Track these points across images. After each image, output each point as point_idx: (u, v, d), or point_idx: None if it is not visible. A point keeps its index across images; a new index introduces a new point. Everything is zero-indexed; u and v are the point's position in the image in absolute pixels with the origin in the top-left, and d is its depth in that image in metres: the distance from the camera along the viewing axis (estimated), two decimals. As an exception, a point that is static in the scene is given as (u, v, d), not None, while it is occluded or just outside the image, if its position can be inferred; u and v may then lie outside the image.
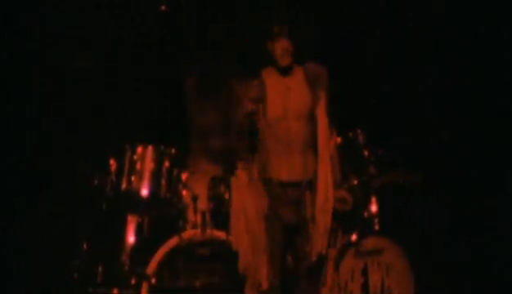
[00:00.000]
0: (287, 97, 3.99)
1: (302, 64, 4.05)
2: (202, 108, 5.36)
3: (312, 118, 4.01)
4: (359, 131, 5.18)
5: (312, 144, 4.01)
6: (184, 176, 5.05)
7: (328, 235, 3.98)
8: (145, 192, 4.95)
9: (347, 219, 5.03)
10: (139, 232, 5.17)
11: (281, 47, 3.96)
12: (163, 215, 5.18)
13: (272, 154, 3.98)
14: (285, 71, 4.00)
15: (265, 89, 3.99)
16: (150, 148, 5.00)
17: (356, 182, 5.13)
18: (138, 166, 4.97)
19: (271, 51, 3.99)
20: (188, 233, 4.95)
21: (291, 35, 3.97)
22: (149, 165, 4.98)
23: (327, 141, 4.01)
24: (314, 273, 4.02)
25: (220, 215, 4.95)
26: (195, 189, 5.07)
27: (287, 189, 3.98)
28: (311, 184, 3.99)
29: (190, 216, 5.03)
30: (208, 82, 5.40)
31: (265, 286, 3.92)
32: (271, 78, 4.02)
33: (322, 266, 4.09)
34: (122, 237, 5.14)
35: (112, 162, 5.00)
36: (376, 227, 5.19)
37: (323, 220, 3.95)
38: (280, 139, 3.97)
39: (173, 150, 5.03)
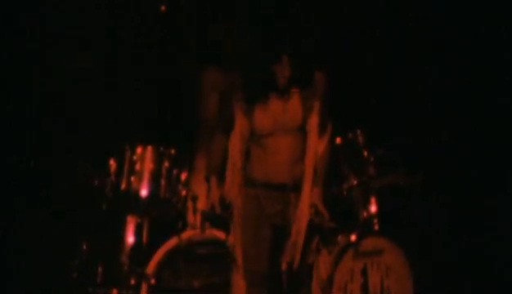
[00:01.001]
0: (278, 115, 3.98)
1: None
2: (212, 105, 5.34)
3: (303, 130, 4.00)
4: (359, 132, 5.17)
5: (302, 156, 4.00)
6: (184, 177, 5.05)
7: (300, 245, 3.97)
8: (144, 192, 4.95)
9: (346, 219, 5.04)
10: (138, 232, 5.17)
11: (281, 72, 3.93)
12: (162, 215, 5.19)
13: (257, 161, 3.99)
14: (282, 92, 3.97)
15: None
16: (149, 148, 5.00)
17: (355, 182, 5.13)
18: (138, 166, 4.97)
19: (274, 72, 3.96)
20: (188, 234, 4.96)
21: (292, 62, 3.93)
22: (148, 165, 4.97)
23: (314, 155, 3.99)
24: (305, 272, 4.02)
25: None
26: (194, 189, 5.08)
27: (272, 190, 3.98)
28: (297, 187, 3.98)
29: (190, 216, 5.04)
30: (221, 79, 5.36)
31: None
32: (265, 94, 4.00)
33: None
34: (121, 237, 5.14)
35: (112, 162, 5.00)
36: (376, 227, 5.19)
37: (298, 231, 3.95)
38: (267, 151, 3.97)
39: (173, 151, 5.03)
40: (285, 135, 3.96)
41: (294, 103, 3.98)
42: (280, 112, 3.96)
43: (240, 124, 3.97)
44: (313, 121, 3.99)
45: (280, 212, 3.98)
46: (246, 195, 3.99)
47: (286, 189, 3.97)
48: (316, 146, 3.98)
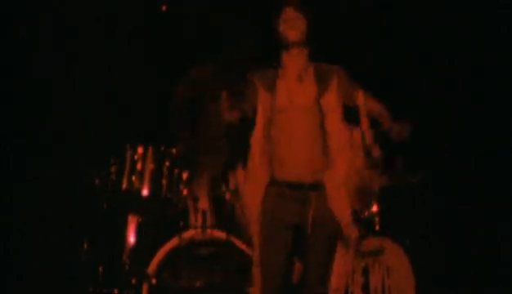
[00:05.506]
0: (293, 89, 3.94)
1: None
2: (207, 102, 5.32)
3: (319, 110, 3.95)
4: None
5: (319, 140, 3.96)
6: (185, 176, 5.05)
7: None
8: (145, 192, 4.95)
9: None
10: (140, 232, 5.17)
11: (287, 17, 3.91)
12: (163, 215, 5.19)
13: (276, 152, 3.95)
14: (294, 48, 3.91)
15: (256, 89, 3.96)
16: (150, 148, 5.00)
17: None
18: (139, 166, 4.97)
19: (280, 31, 3.93)
20: (189, 233, 4.95)
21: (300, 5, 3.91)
22: (149, 165, 4.97)
23: (340, 134, 3.97)
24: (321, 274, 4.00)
25: (220, 215, 4.95)
26: (195, 189, 5.07)
27: (292, 189, 3.94)
28: (317, 186, 3.95)
29: (191, 216, 5.03)
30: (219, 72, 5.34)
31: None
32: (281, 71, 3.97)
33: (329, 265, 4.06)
34: (122, 237, 5.14)
35: (113, 162, 5.00)
36: (377, 227, 5.19)
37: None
38: (284, 131, 3.92)
39: (174, 150, 5.03)
40: (302, 114, 3.92)
41: (308, 78, 3.96)
42: (295, 86, 3.94)
43: (262, 101, 3.91)
44: (328, 98, 3.95)
45: (299, 212, 3.93)
46: (268, 194, 3.96)
47: (304, 188, 3.92)
48: (339, 129, 3.95)
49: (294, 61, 3.97)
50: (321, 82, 3.95)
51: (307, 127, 3.93)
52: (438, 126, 5.76)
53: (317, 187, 3.92)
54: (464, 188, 5.66)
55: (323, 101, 3.92)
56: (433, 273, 5.34)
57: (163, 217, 5.21)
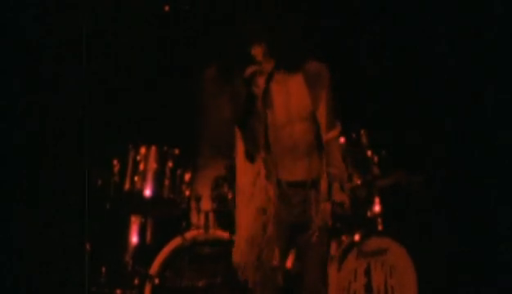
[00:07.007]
0: (288, 101, 3.96)
1: (302, 64, 4.01)
2: (214, 101, 5.31)
3: (315, 120, 3.99)
4: (362, 132, 5.19)
5: (317, 146, 4.00)
6: (187, 177, 5.05)
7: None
8: (148, 192, 4.95)
9: (350, 219, 5.04)
10: (142, 232, 5.17)
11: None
12: (166, 215, 5.19)
13: (277, 156, 3.97)
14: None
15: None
16: (153, 148, 4.99)
17: (359, 182, 5.15)
18: (141, 166, 4.97)
19: None
20: (191, 234, 4.95)
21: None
22: (152, 165, 4.97)
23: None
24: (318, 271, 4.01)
25: (223, 215, 4.95)
26: (198, 189, 5.07)
27: (292, 188, 3.96)
28: (316, 184, 3.97)
29: (194, 216, 5.04)
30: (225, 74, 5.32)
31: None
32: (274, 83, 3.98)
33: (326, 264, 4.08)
34: (125, 237, 5.14)
35: (115, 162, 5.00)
36: (379, 227, 5.20)
37: None
38: (284, 142, 3.95)
39: (177, 151, 5.03)
40: (299, 123, 3.95)
41: (299, 88, 3.97)
42: (287, 94, 3.95)
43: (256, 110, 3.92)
44: (323, 108, 3.99)
45: (301, 211, 3.96)
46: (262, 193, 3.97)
47: (306, 186, 3.95)
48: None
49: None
50: (314, 89, 3.98)
51: (306, 136, 3.97)
52: (438, 126, 5.77)
53: (316, 184, 3.96)
54: (464, 188, 5.67)
55: (318, 114, 3.97)
56: (433, 273, 5.36)
57: (165, 217, 5.21)
